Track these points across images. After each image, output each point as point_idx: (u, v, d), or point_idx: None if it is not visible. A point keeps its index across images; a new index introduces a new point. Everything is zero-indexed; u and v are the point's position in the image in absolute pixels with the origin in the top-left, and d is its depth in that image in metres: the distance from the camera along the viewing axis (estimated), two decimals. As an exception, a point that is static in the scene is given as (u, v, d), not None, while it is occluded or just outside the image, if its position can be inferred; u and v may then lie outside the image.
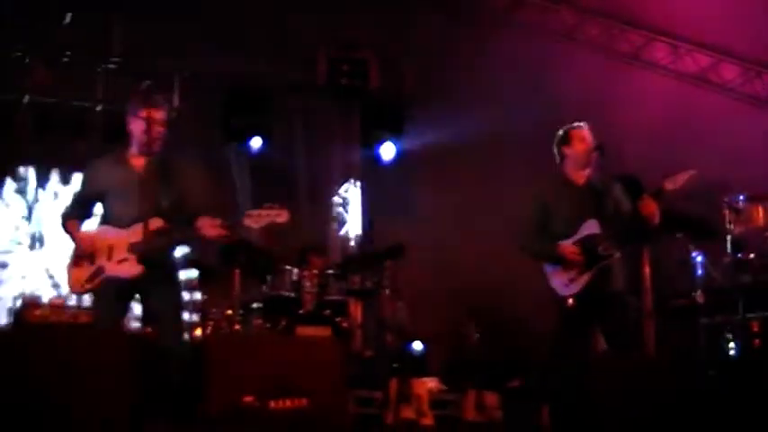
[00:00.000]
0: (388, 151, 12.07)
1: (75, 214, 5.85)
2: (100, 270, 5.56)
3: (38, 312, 7.87)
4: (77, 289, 5.73)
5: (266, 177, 11.29)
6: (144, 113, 5.65)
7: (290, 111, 11.69)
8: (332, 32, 11.76)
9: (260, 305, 8.64)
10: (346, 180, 12.48)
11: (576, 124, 6.28)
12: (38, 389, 4.57)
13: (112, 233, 5.61)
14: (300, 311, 8.49)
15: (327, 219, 12.34)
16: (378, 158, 12.14)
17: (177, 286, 5.89)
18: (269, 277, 8.84)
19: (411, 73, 12.12)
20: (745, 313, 7.43)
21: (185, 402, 5.67)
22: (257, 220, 5.58)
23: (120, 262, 5.54)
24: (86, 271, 5.59)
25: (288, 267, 8.92)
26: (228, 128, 11.24)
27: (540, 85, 10.79)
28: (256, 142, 11.33)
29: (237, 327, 8.25)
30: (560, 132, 6.30)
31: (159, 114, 5.71)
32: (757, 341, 7.46)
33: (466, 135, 11.00)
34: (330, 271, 9.31)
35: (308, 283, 8.61)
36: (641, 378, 5.51)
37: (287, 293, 8.76)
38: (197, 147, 10.81)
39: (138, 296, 5.69)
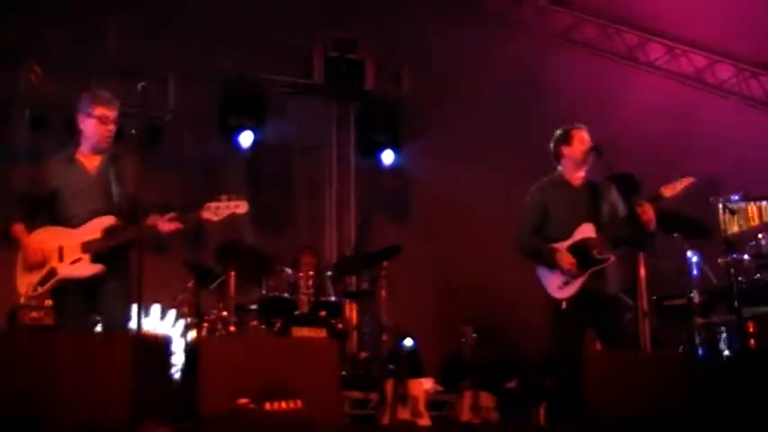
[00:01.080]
0: (385, 153, 12.04)
1: (20, 217, 5.66)
2: (52, 272, 5.48)
3: (32, 314, 7.84)
4: (29, 293, 5.57)
5: (261, 177, 11.27)
6: (96, 112, 5.64)
7: (285, 110, 11.66)
8: (329, 32, 11.73)
9: (255, 306, 8.64)
10: (342, 180, 12.45)
11: (576, 125, 6.28)
12: (33, 391, 4.55)
13: (61, 233, 5.54)
14: (296, 313, 8.48)
15: (323, 219, 12.31)
16: (373, 159, 12.10)
17: (128, 287, 5.75)
18: (264, 279, 8.82)
19: (408, 73, 12.10)
20: (740, 313, 7.42)
21: (181, 404, 5.66)
22: (216, 212, 5.52)
23: (73, 262, 5.48)
24: (37, 274, 5.49)
25: (283, 269, 8.92)
26: (224, 126, 11.20)
27: (536, 85, 10.79)
28: (248, 138, 11.21)
29: (233, 328, 8.24)
30: (559, 131, 6.30)
31: (111, 112, 5.67)
32: (752, 341, 7.46)
33: (461, 136, 11.00)
34: (329, 273, 9.31)
35: (303, 285, 8.59)
36: (637, 378, 5.51)
37: (282, 295, 8.75)
38: (192, 144, 10.85)
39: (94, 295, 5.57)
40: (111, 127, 5.68)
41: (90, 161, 5.71)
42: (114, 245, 5.51)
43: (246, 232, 9.83)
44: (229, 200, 5.51)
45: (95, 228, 5.52)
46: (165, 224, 5.54)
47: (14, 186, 6.10)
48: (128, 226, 5.55)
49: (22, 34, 10.05)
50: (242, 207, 5.55)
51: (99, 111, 5.64)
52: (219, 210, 5.51)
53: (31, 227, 5.63)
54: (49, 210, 5.66)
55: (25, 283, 5.54)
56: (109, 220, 5.54)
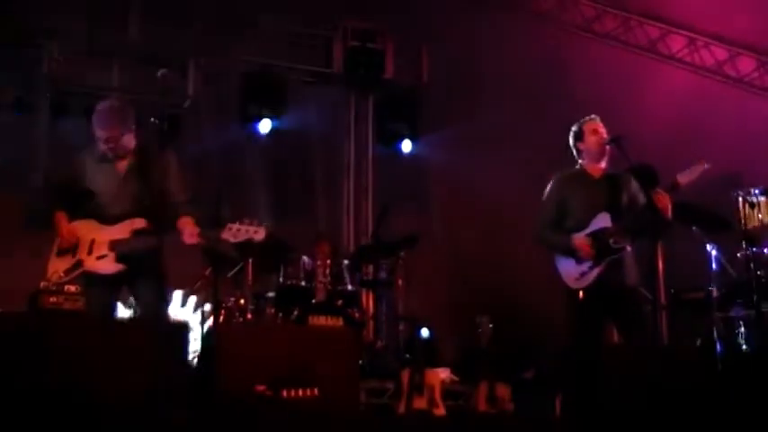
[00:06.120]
0: (403, 143, 12.03)
1: (62, 203, 5.83)
2: (79, 264, 5.65)
3: (52, 299, 7.89)
4: (55, 279, 5.76)
5: (279, 165, 11.29)
6: (97, 132, 5.70)
7: (305, 99, 11.66)
8: (349, 21, 11.71)
9: (273, 294, 8.66)
10: (359, 169, 12.46)
11: (587, 118, 6.28)
12: (51, 375, 4.58)
13: (96, 228, 5.69)
14: (313, 301, 8.49)
15: (341, 207, 12.32)
16: (392, 148, 12.11)
17: (159, 278, 5.84)
18: (282, 267, 8.83)
19: (427, 63, 12.09)
20: (759, 307, 7.39)
21: (199, 391, 5.69)
22: (235, 234, 5.64)
23: (99, 258, 5.63)
24: (66, 263, 5.67)
25: (301, 257, 8.94)
26: (244, 115, 11.22)
27: (556, 76, 10.75)
28: (266, 126, 11.23)
29: (250, 316, 8.26)
30: (574, 129, 6.31)
31: (110, 134, 5.68)
32: (771, 335, 7.43)
33: (480, 126, 10.99)
34: (346, 262, 9.31)
35: (320, 274, 8.60)
36: (654, 370, 5.49)
37: (300, 283, 8.77)
38: (210, 132, 10.87)
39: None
40: (111, 145, 5.71)
41: (120, 161, 5.79)
42: (141, 247, 5.62)
43: (264, 220, 9.84)
44: (250, 224, 5.62)
45: (126, 228, 5.65)
46: (189, 238, 5.64)
47: (52, 177, 6.20)
48: (156, 230, 5.64)
49: (44, 19, 10.09)
50: (260, 233, 5.69)
51: (97, 131, 5.72)
52: (239, 232, 5.62)
53: (71, 216, 5.77)
54: (87, 204, 5.78)
55: (54, 267, 5.71)
56: (139, 223, 5.65)
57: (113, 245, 5.62)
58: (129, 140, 5.79)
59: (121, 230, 5.65)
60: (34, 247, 6.25)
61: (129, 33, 10.43)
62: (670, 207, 5.87)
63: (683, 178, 5.88)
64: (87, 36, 10.23)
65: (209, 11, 10.53)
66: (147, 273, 5.69)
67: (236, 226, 5.62)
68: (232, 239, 5.64)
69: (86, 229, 5.71)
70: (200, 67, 10.82)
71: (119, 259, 5.62)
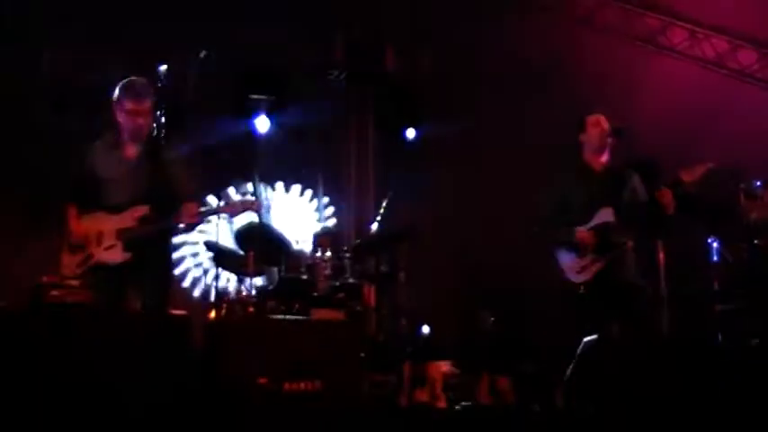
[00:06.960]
0: (407, 134, 12.04)
1: (74, 197, 5.88)
2: (89, 256, 5.70)
3: (55, 293, 7.90)
4: (68, 273, 5.88)
5: (280, 159, 11.28)
6: (126, 105, 5.69)
7: (305, 93, 11.64)
8: (350, 15, 11.69)
9: (274, 287, 8.65)
10: (361, 161, 12.45)
11: (590, 110, 6.29)
12: (54, 368, 4.59)
13: (104, 219, 5.73)
14: (314, 294, 8.49)
15: (342, 200, 12.32)
16: (392, 142, 12.10)
17: (165, 268, 5.91)
18: (283, 260, 8.83)
19: (428, 56, 12.06)
20: (761, 299, 7.39)
21: (202, 384, 5.71)
22: (233, 207, 5.77)
23: (107, 248, 5.68)
24: (78, 257, 5.73)
25: (302, 250, 8.93)
26: (243, 109, 11.22)
27: (558, 68, 10.74)
28: (265, 122, 11.26)
29: (251, 309, 8.25)
30: (576, 121, 6.32)
31: (139, 106, 5.70)
32: (773, 327, 7.43)
33: (482, 119, 10.98)
34: (347, 254, 9.31)
35: (321, 266, 8.60)
36: (655, 363, 5.50)
37: (301, 276, 8.76)
38: (211, 125, 10.87)
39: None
40: (141, 120, 5.72)
41: (130, 149, 5.81)
42: (147, 234, 5.66)
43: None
44: (246, 196, 5.78)
45: (131, 216, 5.68)
46: (189, 218, 5.72)
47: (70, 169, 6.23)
48: (160, 216, 5.69)
49: (41, 16, 10.07)
50: (256, 204, 5.87)
51: (128, 105, 5.69)
52: (237, 206, 5.77)
53: (83, 209, 5.81)
54: (97, 194, 5.81)
55: (67, 263, 5.79)
56: (143, 210, 5.68)
57: (120, 234, 5.65)
58: (151, 122, 5.82)
59: (127, 219, 5.67)
60: (35, 241, 6.27)
61: (129, 28, 10.40)
62: (672, 204, 5.89)
63: (687, 176, 5.89)
64: (87, 31, 10.21)
65: (209, 4, 10.50)
66: (154, 262, 5.72)
67: (232, 201, 5.75)
68: (230, 212, 5.78)
69: (94, 222, 5.74)
70: (201, 62, 10.80)
71: (126, 248, 5.65)
